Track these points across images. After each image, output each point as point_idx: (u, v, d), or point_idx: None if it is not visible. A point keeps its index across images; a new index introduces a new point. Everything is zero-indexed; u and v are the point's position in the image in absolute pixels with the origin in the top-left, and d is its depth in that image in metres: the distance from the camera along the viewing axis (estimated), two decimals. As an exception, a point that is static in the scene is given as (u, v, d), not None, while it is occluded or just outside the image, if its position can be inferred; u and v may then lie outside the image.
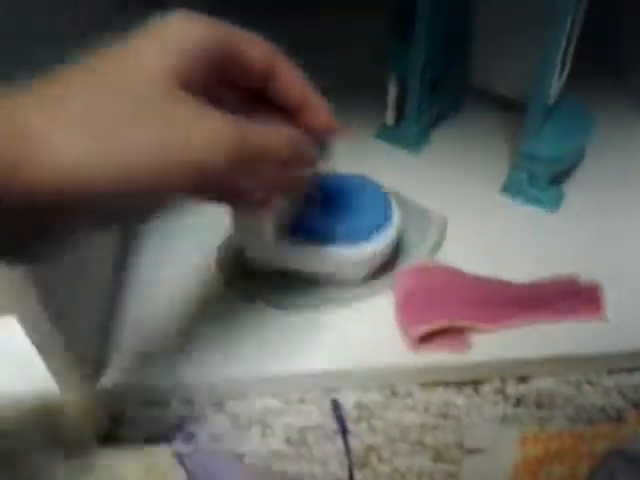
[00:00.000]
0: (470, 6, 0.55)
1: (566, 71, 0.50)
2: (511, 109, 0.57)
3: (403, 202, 0.51)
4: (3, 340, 0.45)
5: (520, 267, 0.47)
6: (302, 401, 0.43)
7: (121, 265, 0.50)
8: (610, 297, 0.45)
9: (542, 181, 0.53)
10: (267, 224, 0.43)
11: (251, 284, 0.48)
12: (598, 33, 0.66)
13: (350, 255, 0.44)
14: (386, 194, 0.46)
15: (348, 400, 0.43)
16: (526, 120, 0.50)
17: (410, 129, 0.58)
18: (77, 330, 0.41)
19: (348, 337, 0.45)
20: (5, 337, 0.45)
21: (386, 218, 0.45)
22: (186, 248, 0.51)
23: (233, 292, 0.48)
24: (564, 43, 0.46)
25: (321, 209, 0.45)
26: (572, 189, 0.55)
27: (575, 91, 0.53)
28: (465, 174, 0.56)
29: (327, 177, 0.48)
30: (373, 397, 0.43)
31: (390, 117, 0.59)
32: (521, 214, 0.53)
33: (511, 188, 0.54)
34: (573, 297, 0.44)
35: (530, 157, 0.51)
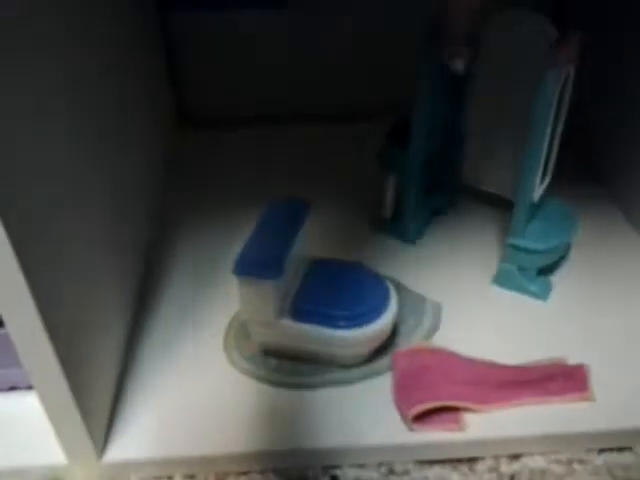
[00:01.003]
0: (461, 115, 0.61)
1: (549, 172, 0.55)
2: (500, 206, 0.62)
3: (400, 288, 0.54)
4: (16, 412, 0.48)
5: (510, 350, 0.50)
6: (302, 478, 0.45)
7: (133, 339, 0.53)
8: (598, 378, 0.47)
9: (530, 272, 0.56)
10: (270, 304, 0.46)
11: (254, 362, 0.51)
12: (582, 141, 0.73)
13: (350, 337, 0.47)
14: (385, 280, 0.50)
15: (347, 477, 0.45)
16: (513, 217, 0.54)
17: (407, 225, 0.62)
18: (90, 403, 0.43)
19: (347, 415, 0.47)
20: (18, 409, 0.48)
21: (385, 303, 0.48)
22: (197, 323, 0.55)
23: (237, 369, 0.50)
24: (545, 149, 0.51)
25: (323, 292, 0.49)
26: (560, 279, 0.58)
27: (561, 192, 0.57)
28: (457, 264, 0.60)
29: (329, 262, 0.52)
30: (371, 474, 0.45)
31: (387, 212, 0.63)
32: (511, 302, 0.56)
33: (501, 279, 0.57)
34: (561, 378, 0.47)
35: (517, 249, 0.55)
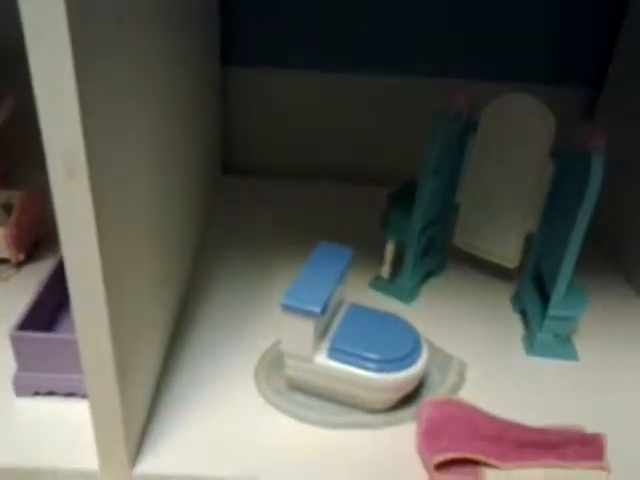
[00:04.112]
0: (456, 187, 0.66)
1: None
2: (488, 268, 0.68)
3: (428, 344, 0.57)
4: (60, 416, 0.50)
5: (529, 413, 0.52)
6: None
7: (169, 361, 0.56)
8: (615, 448, 0.49)
9: (563, 338, 0.60)
10: (309, 339, 0.49)
11: (282, 396, 0.53)
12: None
13: (380, 381, 0.49)
14: (417, 332, 0.53)
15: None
16: (554, 291, 0.57)
17: (405, 284, 0.66)
18: (131, 416, 0.45)
19: (370, 460, 0.48)
20: (61, 413, 0.50)
21: (416, 353, 0.51)
22: (231, 353, 0.57)
23: (265, 401, 0.52)
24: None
25: (359, 336, 0.51)
26: (583, 347, 0.62)
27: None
28: (459, 324, 0.64)
29: (366, 309, 0.54)
30: (389, 517, 0.46)
31: (386, 272, 0.67)
32: (528, 365, 0.59)
33: (539, 349, 0.60)
34: (579, 445, 0.48)
35: (556, 319, 0.58)
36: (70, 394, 0.51)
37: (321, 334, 0.51)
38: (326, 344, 0.50)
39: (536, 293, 0.63)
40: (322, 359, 0.50)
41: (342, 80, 0.85)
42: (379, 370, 0.49)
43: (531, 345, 0.60)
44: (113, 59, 0.37)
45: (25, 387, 0.51)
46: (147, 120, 0.46)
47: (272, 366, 0.55)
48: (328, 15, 0.81)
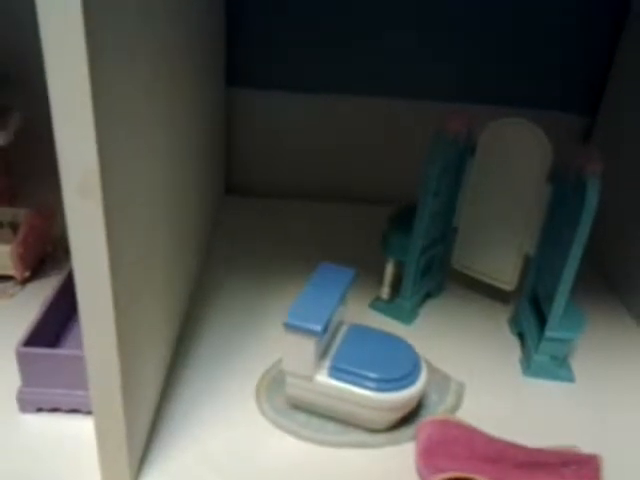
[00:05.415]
0: (456, 209, 0.67)
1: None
2: (485, 290, 0.70)
3: (427, 364, 0.57)
4: (60, 433, 0.50)
5: (526, 433, 0.53)
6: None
7: (170, 380, 0.56)
8: (611, 469, 0.50)
9: (560, 360, 0.61)
10: (311, 357, 0.50)
11: (283, 415, 0.53)
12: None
13: (380, 400, 0.50)
14: (417, 354, 0.53)
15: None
16: (550, 313, 0.58)
17: (404, 305, 0.67)
18: (134, 434, 0.46)
19: (367, 477, 0.49)
20: (63, 431, 0.50)
21: (416, 373, 0.52)
22: (232, 372, 0.58)
23: (266, 420, 0.53)
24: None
25: (359, 355, 0.52)
26: (579, 368, 0.62)
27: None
28: (458, 345, 0.65)
29: (367, 329, 0.55)
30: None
31: (385, 293, 0.68)
32: (526, 386, 0.60)
33: (536, 370, 0.61)
34: (575, 465, 0.49)
35: (553, 341, 0.59)
36: (74, 410, 0.51)
37: (322, 353, 0.52)
38: (327, 363, 0.51)
39: (533, 315, 0.63)
40: (323, 378, 0.51)
41: (343, 101, 0.87)
42: (379, 389, 0.50)
43: (528, 366, 0.61)
44: (128, 83, 0.38)
45: (29, 403, 0.51)
46: (158, 143, 0.47)
47: (273, 385, 0.56)
48: (331, 38, 0.83)
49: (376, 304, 0.69)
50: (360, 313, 0.68)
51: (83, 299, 0.38)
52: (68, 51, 0.31)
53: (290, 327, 0.49)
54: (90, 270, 0.36)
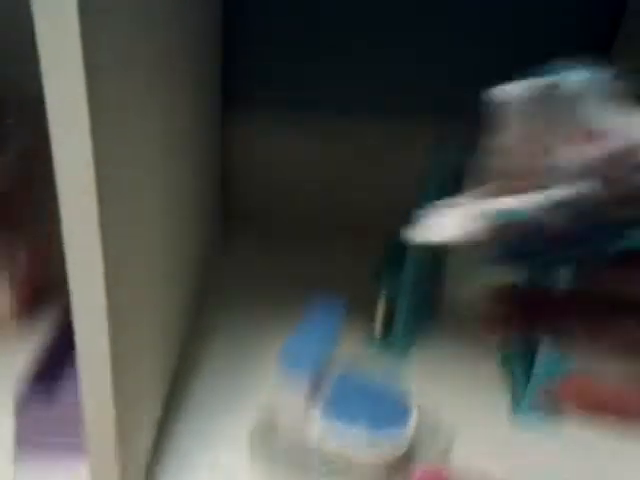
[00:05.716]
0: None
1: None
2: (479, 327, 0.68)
3: (418, 408, 0.58)
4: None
5: (517, 475, 0.54)
6: None
7: (164, 422, 0.57)
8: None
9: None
10: (302, 398, 0.50)
11: (276, 462, 0.54)
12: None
13: (369, 450, 0.51)
14: (409, 396, 0.54)
15: None
16: (540, 350, 0.59)
17: (397, 342, 0.67)
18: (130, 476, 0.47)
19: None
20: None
21: (405, 418, 0.52)
22: (227, 412, 0.59)
23: (260, 468, 0.54)
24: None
25: (352, 397, 0.53)
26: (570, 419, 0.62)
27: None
28: (456, 382, 0.65)
29: (359, 370, 0.56)
30: None
31: (378, 330, 0.68)
32: (517, 426, 0.60)
33: (527, 409, 0.61)
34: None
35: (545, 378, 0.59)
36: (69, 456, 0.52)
37: (314, 394, 0.52)
38: (319, 403, 0.52)
39: (524, 353, 0.64)
40: (314, 420, 0.52)
41: (342, 127, 0.86)
42: (369, 440, 0.51)
43: (518, 405, 0.61)
44: (124, 109, 0.38)
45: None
46: (156, 169, 0.47)
47: (266, 431, 0.56)
48: (329, 64, 0.83)
49: (368, 341, 0.69)
50: (353, 349, 0.67)
51: (80, 336, 0.39)
52: (64, 51, 0.31)
53: (282, 367, 0.50)
54: (86, 299, 0.37)
